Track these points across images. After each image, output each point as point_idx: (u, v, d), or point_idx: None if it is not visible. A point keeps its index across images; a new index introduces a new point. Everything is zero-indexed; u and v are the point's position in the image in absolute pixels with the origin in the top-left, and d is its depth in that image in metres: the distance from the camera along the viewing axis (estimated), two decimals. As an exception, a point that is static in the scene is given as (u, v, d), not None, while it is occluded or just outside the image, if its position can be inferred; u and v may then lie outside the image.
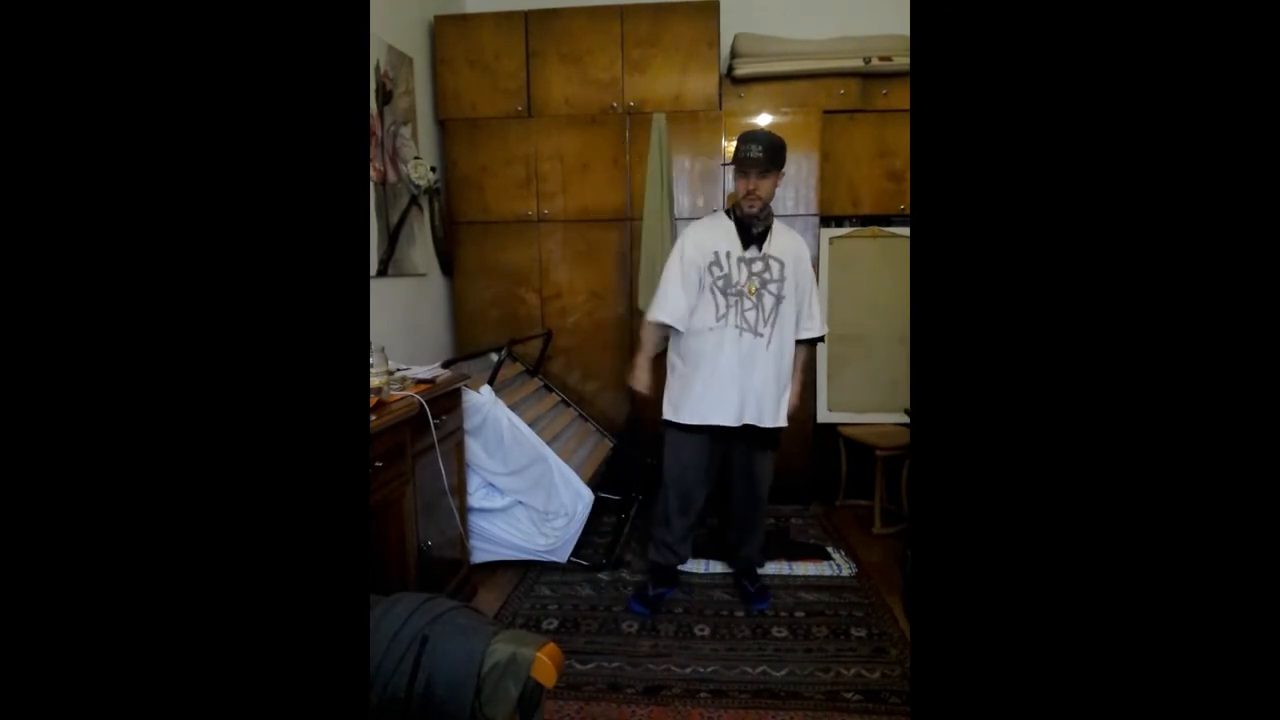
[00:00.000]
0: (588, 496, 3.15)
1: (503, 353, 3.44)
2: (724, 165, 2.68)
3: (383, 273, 3.30)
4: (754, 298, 2.69)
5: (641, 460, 3.93)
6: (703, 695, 2.31)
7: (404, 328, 3.51)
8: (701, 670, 2.45)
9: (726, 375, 2.69)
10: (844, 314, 4.05)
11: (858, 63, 3.80)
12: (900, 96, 3.85)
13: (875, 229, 4.02)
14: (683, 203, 3.86)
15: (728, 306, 2.69)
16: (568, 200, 3.90)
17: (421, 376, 2.68)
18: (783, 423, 2.81)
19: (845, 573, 3.18)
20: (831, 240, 4.01)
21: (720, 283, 2.70)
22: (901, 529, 3.60)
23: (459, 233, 4.00)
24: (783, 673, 2.43)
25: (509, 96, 3.89)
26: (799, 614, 2.83)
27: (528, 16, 3.84)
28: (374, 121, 3.24)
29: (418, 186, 3.58)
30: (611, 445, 3.90)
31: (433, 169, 3.70)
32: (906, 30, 3.56)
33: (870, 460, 3.71)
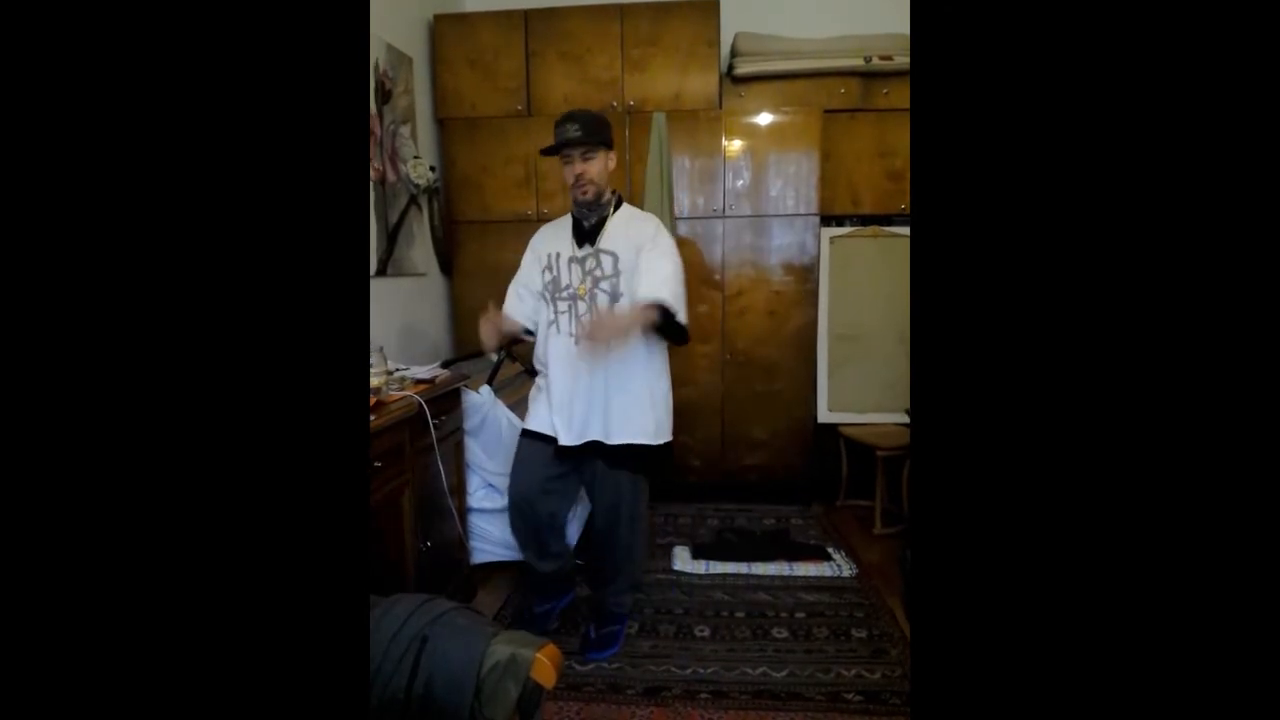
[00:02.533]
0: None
1: (502, 353, 3.42)
2: (542, 153, 2.45)
3: (382, 272, 3.29)
4: (587, 299, 2.43)
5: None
6: (703, 696, 2.29)
7: (403, 327, 3.50)
8: (701, 671, 2.44)
9: (564, 387, 2.48)
10: (844, 314, 4.04)
11: (858, 62, 3.80)
12: (901, 96, 3.84)
13: (876, 228, 4.01)
14: (683, 202, 3.86)
15: (557, 312, 2.47)
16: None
17: (420, 376, 2.67)
18: (641, 440, 2.49)
19: (846, 573, 3.17)
20: (832, 240, 4.00)
21: (550, 287, 2.49)
22: (902, 529, 3.59)
23: (458, 232, 3.99)
24: (783, 673, 2.42)
25: (508, 96, 3.88)
26: (799, 615, 2.82)
27: (527, 15, 3.83)
28: (373, 121, 3.23)
29: (417, 186, 3.57)
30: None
31: (432, 168, 3.68)
32: (907, 29, 3.56)
33: (871, 460, 3.70)
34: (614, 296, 2.42)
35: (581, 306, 2.44)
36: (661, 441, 2.55)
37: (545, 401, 2.55)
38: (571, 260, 2.46)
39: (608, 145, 2.41)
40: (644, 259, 2.39)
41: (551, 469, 2.57)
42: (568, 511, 2.76)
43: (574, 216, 2.50)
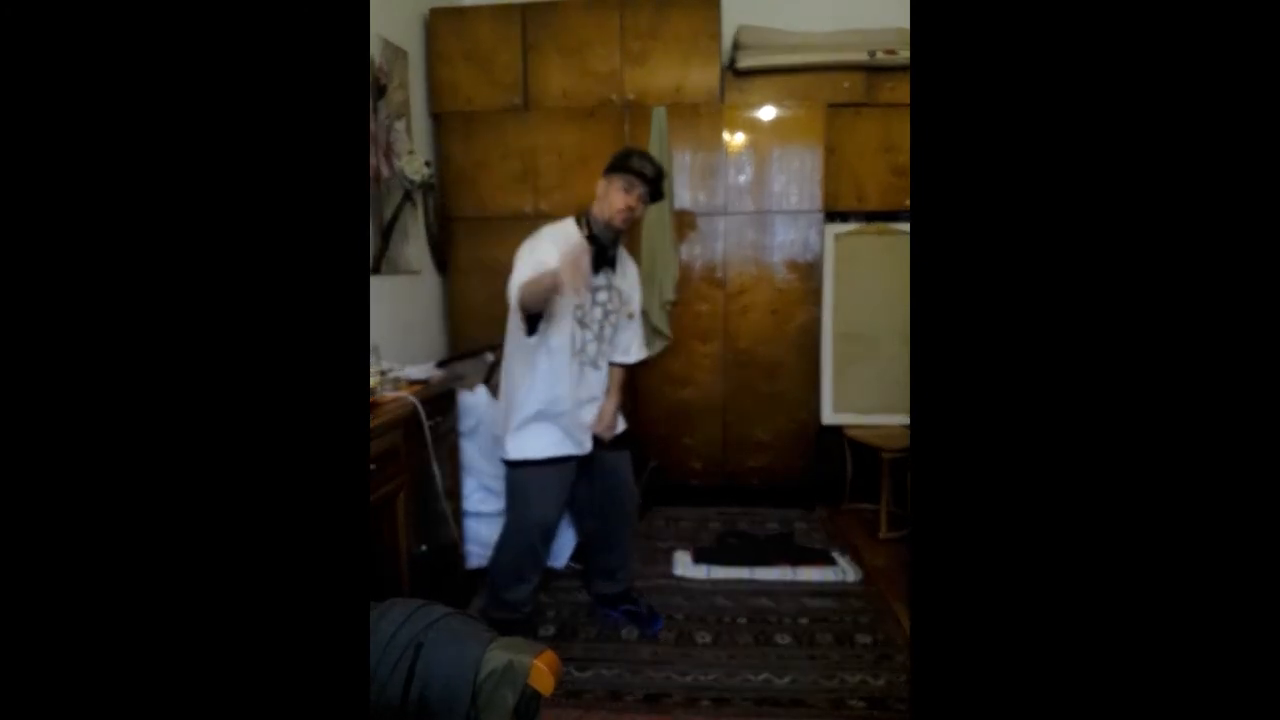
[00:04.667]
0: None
1: (498, 353, 3.38)
2: (617, 169, 2.38)
3: (376, 270, 3.25)
4: (596, 330, 2.49)
5: (643, 462, 3.86)
6: (704, 704, 2.27)
7: (397, 326, 3.46)
8: (703, 678, 2.41)
9: (575, 405, 2.49)
10: (849, 313, 4.00)
11: (863, 56, 3.76)
12: (906, 90, 3.77)
13: (881, 225, 3.97)
14: (683, 197, 3.82)
15: (585, 340, 2.48)
16: (566, 195, 3.83)
17: (415, 377, 2.66)
18: (624, 424, 2.74)
19: (850, 578, 3.13)
20: (837, 237, 3.96)
21: (579, 312, 2.43)
22: (908, 533, 3.53)
23: (454, 229, 3.94)
24: (786, 680, 2.38)
25: (505, 90, 3.84)
26: (803, 620, 2.78)
27: (525, 9, 3.80)
28: (367, 114, 3.18)
29: (412, 182, 3.52)
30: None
31: (427, 164, 3.63)
32: (912, 23, 3.54)
33: (876, 463, 3.66)
34: (615, 329, 2.58)
35: (589, 334, 2.49)
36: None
37: (556, 428, 2.48)
38: (594, 289, 2.45)
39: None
40: (634, 324, 2.66)
41: (566, 483, 2.60)
42: None
43: (598, 237, 2.43)
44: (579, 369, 2.48)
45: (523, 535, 2.57)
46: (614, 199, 2.37)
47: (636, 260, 3.74)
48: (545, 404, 2.45)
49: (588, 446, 2.55)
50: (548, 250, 2.26)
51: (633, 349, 2.67)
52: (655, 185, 2.40)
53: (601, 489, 2.69)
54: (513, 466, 2.54)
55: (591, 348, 2.50)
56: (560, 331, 2.42)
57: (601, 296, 2.47)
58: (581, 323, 2.46)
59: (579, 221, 2.47)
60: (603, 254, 2.43)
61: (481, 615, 2.59)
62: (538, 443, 2.49)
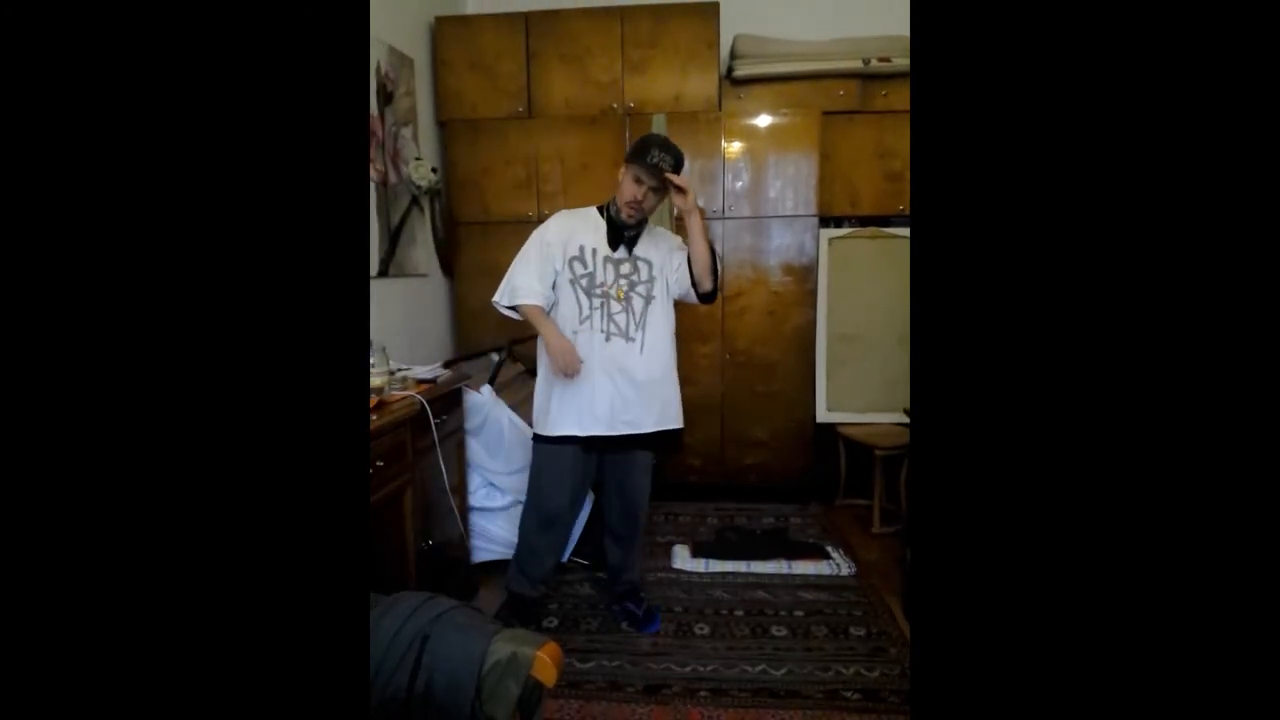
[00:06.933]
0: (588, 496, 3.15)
1: (503, 353, 3.44)
2: (628, 157, 2.43)
3: (384, 273, 3.31)
4: (623, 301, 2.49)
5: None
6: (702, 694, 2.31)
7: (405, 328, 3.51)
8: (701, 669, 2.45)
9: (595, 382, 2.49)
10: (843, 314, 4.06)
11: (857, 64, 3.81)
12: (900, 97, 3.85)
13: (874, 229, 4.03)
14: (682, 203, 3.85)
15: (592, 308, 2.49)
16: (568, 201, 3.86)
17: (422, 376, 2.68)
18: (670, 425, 2.61)
19: (844, 572, 3.19)
20: (830, 241, 4.02)
21: (584, 281, 2.49)
22: (900, 528, 3.59)
23: (459, 233, 4.01)
24: (782, 671, 2.43)
25: (509, 97, 3.90)
26: (798, 613, 2.84)
27: (528, 18, 3.85)
28: (375, 122, 3.25)
29: (419, 187, 3.58)
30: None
31: (433, 170, 3.69)
32: (906, 31, 3.56)
33: (869, 460, 3.71)
34: (648, 299, 2.52)
35: (615, 307, 2.49)
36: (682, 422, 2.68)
37: (571, 401, 2.53)
38: (608, 260, 2.49)
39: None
40: (676, 255, 2.56)
41: (578, 469, 2.62)
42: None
43: (613, 220, 2.51)
44: (599, 341, 2.49)
45: (530, 515, 2.69)
46: (624, 190, 2.41)
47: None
48: (559, 377, 2.51)
49: (599, 430, 2.51)
50: (555, 227, 2.54)
51: (687, 282, 2.54)
52: (673, 161, 2.37)
53: (621, 490, 2.69)
54: (535, 442, 2.65)
55: (620, 319, 2.49)
56: (564, 300, 2.52)
57: (625, 269, 2.49)
58: (588, 291, 2.48)
59: (601, 209, 2.54)
60: (618, 233, 2.50)
61: (504, 589, 2.82)
62: (547, 419, 2.57)
